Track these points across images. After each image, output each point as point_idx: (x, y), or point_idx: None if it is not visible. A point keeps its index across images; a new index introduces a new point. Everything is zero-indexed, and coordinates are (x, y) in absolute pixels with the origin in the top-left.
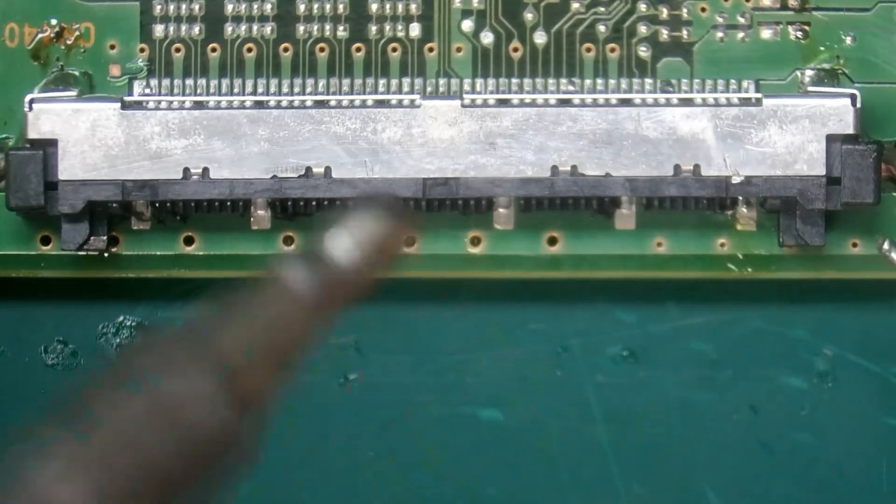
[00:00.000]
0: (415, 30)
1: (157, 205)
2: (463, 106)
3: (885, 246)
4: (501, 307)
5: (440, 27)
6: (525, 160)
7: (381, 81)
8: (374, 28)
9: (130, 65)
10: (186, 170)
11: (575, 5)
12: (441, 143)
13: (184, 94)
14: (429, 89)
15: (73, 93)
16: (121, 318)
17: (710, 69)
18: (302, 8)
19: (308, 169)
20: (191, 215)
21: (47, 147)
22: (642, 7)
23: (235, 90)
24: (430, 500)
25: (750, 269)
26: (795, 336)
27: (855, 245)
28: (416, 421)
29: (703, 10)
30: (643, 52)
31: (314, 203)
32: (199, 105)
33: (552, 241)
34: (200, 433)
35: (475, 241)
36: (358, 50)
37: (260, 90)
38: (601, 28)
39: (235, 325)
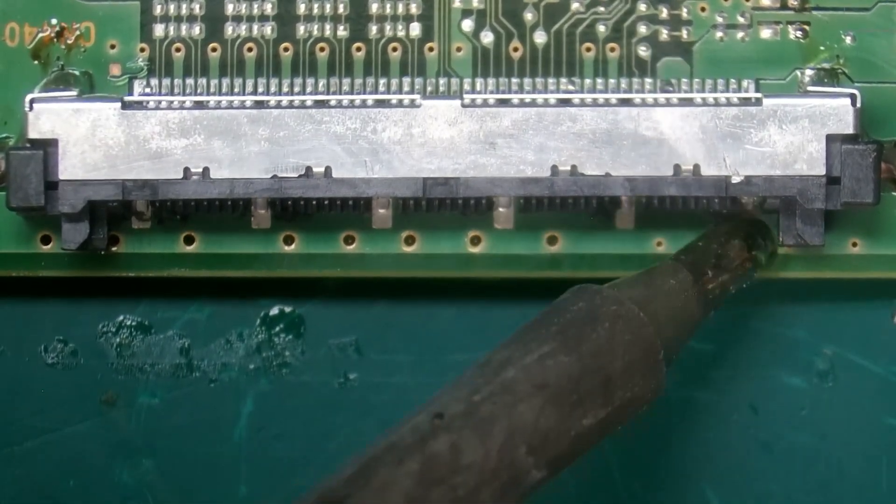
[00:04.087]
0: (415, 29)
1: (157, 204)
2: (463, 106)
3: None
4: (501, 307)
5: (440, 27)
6: (525, 160)
7: (382, 81)
8: (374, 28)
9: (131, 64)
10: (187, 169)
11: (575, 5)
12: (441, 142)
13: (184, 94)
14: (429, 89)
15: (74, 92)
16: (121, 318)
17: (710, 69)
18: (302, 8)
19: (308, 169)
20: (191, 215)
21: (47, 147)
22: (642, 7)
23: (235, 90)
24: None
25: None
26: (795, 336)
27: (855, 245)
28: None
29: (703, 9)
30: (643, 51)
31: (314, 203)
32: (199, 105)
33: (552, 241)
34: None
35: (475, 241)
36: (358, 50)
37: (260, 90)
38: (601, 28)
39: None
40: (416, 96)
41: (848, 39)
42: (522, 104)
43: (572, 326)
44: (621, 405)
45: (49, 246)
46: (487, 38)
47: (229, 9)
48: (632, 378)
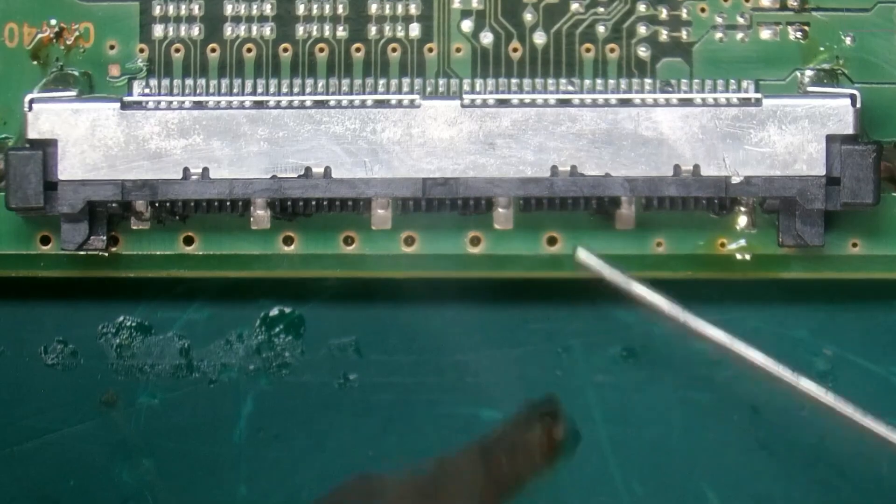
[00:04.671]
0: (414, 30)
1: (156, 205)
2: (462, 106)
3: (581, 255)
4: (501, 307)
5: (440, 27)
6: (524, 160)
7: (381, 81)
8: (373, 28)
9: (130, 65)
10: (186, 170)
11: (574, 6)
12: (440, 143)
13: (183, 95)
14: (428, 89)
15: (73, 93)
16: (121, 318)
17: (710, 69)
18: (301, 8)
19: (307, 169)
20: (190, 215)
21: (47, 147)
22: (642, 7)
23: (235, 90)
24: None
25: (749, 269)
26: (795, 336)
27: (854, 245)
28: (416, 421)
29: (703, 10)
30: (643, 52)
31: (314, 203)
32: (198, 105)
33: (551, 241)
34: None
35: (475, 241)
36: (357, 50)
37: (259, 90)
38: (601, 28)
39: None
40: (416, 97)
41: (848, 40)
42: (522, 104)
43: None
44: None
45: (48, 246)
46: (487, 38)
47: (228, 9)
48: None
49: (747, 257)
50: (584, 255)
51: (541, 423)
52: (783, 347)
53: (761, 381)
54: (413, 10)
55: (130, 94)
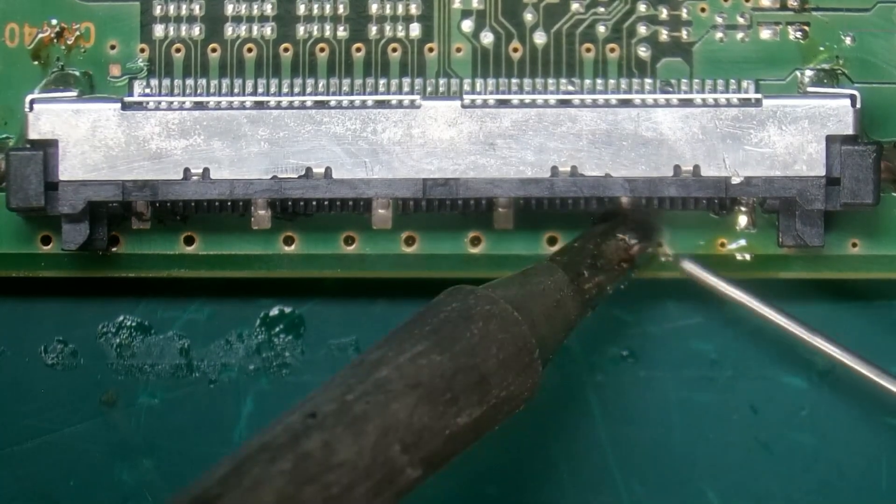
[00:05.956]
0: (415, 30)
1: (157, 205)
2: (463, 106)
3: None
4: None
5: (440, 27)
6: (525, 160)
7: (381, 82)
8: (374, 28)
9: (130, 65)
10: (187, 170)
11: (575, 5)
12: (441, 143)
13: (184, 95)
14: (429, 90)
15: (74, 93)
16: (121, 318)
17: (710, 69)
18: (302, 8)
19: (308, 169)
20: (191, 215)
21: (48, 147)
22: (642, 7)
23: (235, 90)
24: (431, 500)
25: (749, 269)
26: (795, 336)
27: (854, 245)
28: None
29: (703, 10)
30: (643, 52)
31: (314, 203)
32: (199, 105)
33: (552, 241)
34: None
35: (475, 242)
36: (358, 50)
37: (260, 90)
38: (601, 28)
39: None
40: (416, 97)
41: (847, 40)
42: (522, 105)
43: (446, 326)
44: (497, 404)
45: (49, 246)
46: (487, 38)
47: (229, 9)
48: (506, 377)
49: (747, 257)
50: (689, 266)
51: (616, 236)
52: (783, 347)
53: (761, 381)
54: (413, 10)
55: (131, 94)
